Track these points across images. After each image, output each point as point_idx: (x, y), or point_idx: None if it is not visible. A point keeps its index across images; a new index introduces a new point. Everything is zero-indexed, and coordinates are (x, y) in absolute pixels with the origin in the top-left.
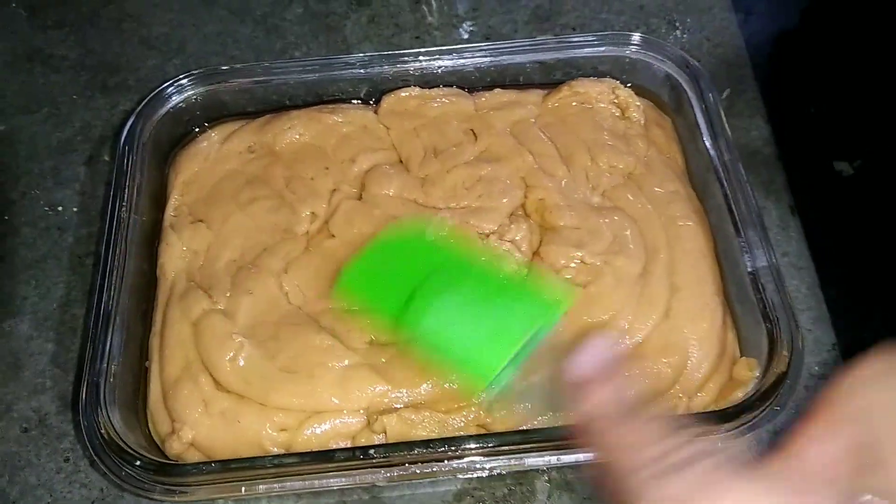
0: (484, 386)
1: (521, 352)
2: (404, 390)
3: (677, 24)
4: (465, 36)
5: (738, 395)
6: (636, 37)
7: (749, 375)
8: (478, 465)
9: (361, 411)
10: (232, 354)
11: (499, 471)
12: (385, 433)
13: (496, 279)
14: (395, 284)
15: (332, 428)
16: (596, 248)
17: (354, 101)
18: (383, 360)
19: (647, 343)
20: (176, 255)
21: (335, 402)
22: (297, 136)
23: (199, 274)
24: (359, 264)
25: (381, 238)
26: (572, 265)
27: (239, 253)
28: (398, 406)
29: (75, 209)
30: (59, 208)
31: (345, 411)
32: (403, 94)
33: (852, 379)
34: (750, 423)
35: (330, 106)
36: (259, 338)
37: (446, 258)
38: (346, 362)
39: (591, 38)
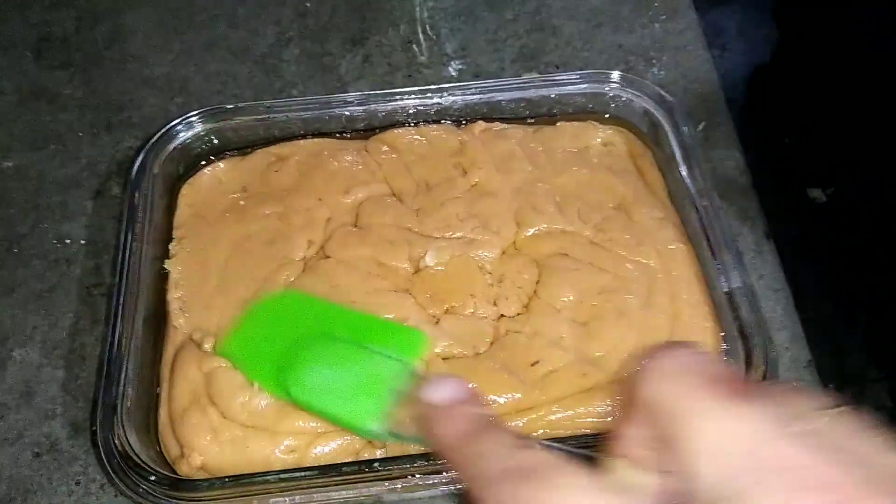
0: (367, 435)
1: (389, 400)
2: None
3: (654, 62)
4: (455, 74)
5: None
6: (615, 74)
7: None
8: None
9: None
10: (247, 398)
11: None
12: (385, 447)
13: (357, 338)
14: (269, 349)
15: (339, 446)
16: (595, 285)
17: (348, 136)
18: None
19: None
20: (178, 296)
21: None
22: (291, 172)
23: (204, 315)
24: (237, 332)
25: (257, 305)
26: (572, 304)
27: (242, 289)
28: None
29: (83, 241)
30: (67, 241)
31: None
32: (395, 132)
33: (644, 374)
34: None
35: (325, 141)
36: None
37: (313, 320)
38: None
39: (574, 77)
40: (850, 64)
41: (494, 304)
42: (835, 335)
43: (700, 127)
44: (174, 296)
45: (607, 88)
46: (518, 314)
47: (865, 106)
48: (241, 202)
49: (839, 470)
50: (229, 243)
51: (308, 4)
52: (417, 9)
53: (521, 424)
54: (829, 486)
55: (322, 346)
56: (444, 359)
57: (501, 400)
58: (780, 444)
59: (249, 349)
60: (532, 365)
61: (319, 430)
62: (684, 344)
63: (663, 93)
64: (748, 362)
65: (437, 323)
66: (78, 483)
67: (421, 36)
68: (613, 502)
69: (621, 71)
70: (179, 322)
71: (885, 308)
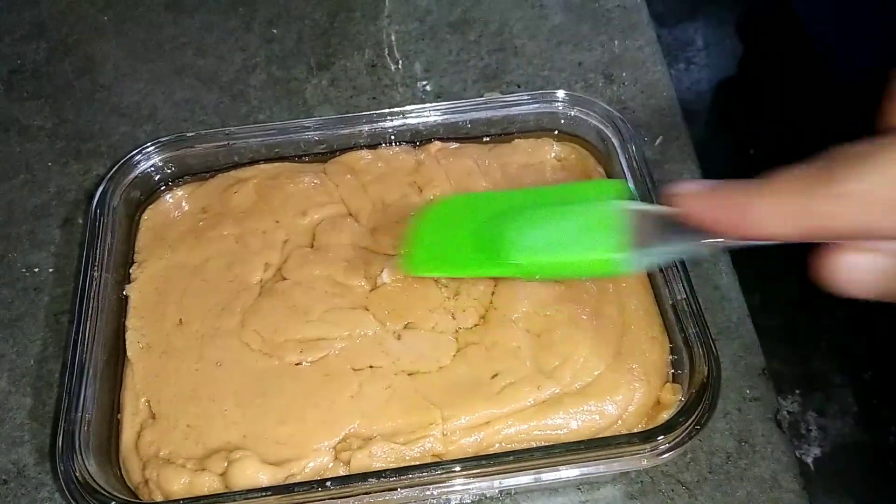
0: (611, 269)
1: (620, 227)
2: (370, 423)
3: (613, 78)
4: (420, 95)
5: (664, 416)
6: (560, 93)
7: (673, 399)
8: (429, 493)
9: (333, 449)
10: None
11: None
12: (349, 465)
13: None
14: (458, 244)
15: (307, 469)
16: (547, 296)
17: (308, 160)
18: (353, 393)
19: (597, 382)
20: (135, 326)
21: (321, 446)
22: (249, 194)
23: (166, 345)
24: (415, 246)
25: (423, 215)
26: (526, 314)
27: (199, 320)
28: (362, 439)
29: (51, 270)
30: (36, 269)
31: (322, 449)
32: (352, 154)
33: None
34: (674, 442)
35: (284, 164)
36: (248, 397)
37: (494, 206)
38: (327, 403)
39: (524, 97)
40: (813, 75)
41: (453, 317)
42: (793, 342)
43: (657, 141)
44: (132, 325)
45: (557, 107)
46: (475, 325)
47: (830, 116)
48: (200, 223)
49: None
50: (188, 271)
51: (275, 31)
52: (383, 32)
53: (478, 439)
54: None
55: (522, 215)
56: (409, 374)
57: (463, 420)
58: None
59: (436, 253)
60: (492, 378)
61: (298, 457)
62: None
63: (610, 109)
64: (692, 371)
65: (398, 339)
66: None
67: (387, 59)
68: None
69: (581, 88)
70: (137, 363)
71: (847, 313)
